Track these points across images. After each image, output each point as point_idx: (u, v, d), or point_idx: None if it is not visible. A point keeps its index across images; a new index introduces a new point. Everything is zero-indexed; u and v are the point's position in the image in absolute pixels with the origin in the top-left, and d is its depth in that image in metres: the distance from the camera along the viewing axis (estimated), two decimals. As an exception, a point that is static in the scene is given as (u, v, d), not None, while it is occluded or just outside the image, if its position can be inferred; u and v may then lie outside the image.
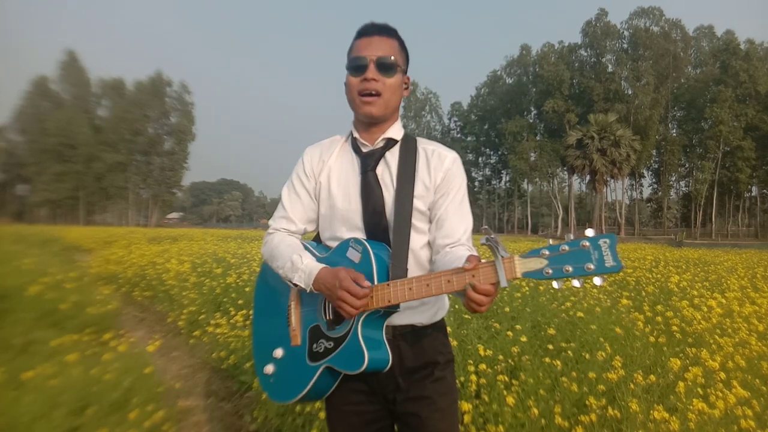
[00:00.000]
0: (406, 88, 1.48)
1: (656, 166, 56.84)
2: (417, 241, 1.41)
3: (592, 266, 1.04)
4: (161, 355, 4.46)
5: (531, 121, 58.91)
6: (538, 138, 56.87)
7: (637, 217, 57.99)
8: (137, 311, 6.59)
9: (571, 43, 55.91)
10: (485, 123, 63.70)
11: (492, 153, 65.58)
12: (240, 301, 5.29)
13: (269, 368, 1.44)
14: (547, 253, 1.08)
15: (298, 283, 1.36)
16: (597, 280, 1.04)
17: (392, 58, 1.39)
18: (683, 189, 58.87)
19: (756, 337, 3.29)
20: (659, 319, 3.82)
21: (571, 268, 1.05)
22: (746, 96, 48.27)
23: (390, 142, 1.45)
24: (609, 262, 1.03)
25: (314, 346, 1.35)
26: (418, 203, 1.40)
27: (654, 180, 58.96)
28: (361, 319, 1.28)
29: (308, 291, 1.35)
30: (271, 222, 1.55)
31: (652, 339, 3.35)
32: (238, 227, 64.23)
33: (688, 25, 58.90)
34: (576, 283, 1.07)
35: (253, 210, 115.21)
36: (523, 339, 3.24)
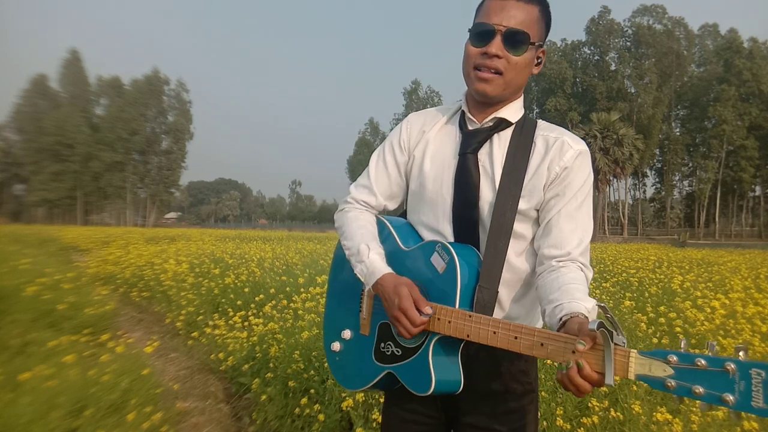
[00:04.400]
0: (538, 64, 1.22)
1: (659, 166, 56.69)
2: (514, 247, 1.19)
3: (731, 399, 0.78)
4: (159, 356, 4.45)
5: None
6: (540, 137, 56.62)
7: (640, 216, 57.83)
8: (135, 312, 6.58)
9: (574, 41, 55.72)
10: (487, 122, 63.55)
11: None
12: (238, 302, 5.28)
13: (336, 346, 1.34)
14: (674, 359, 0.83)
15: (359, 276, 1.21)
16: (734, 415, 0.80)
17: (525, 30, 1.14)
18: (686, 188, 58.81)
19: (759, 338, 3.27)
20: (662, 320, 3.80)
21: (702, 391, 0.80)
22: (750, 95, 48.12)
23: (502, 123, 1.22)
24: (758, 402, 0.75)
25: (382, 345, 1.21)
26: (524, 204, 1.17)
27: (657, 179, 58.85)
28: (436, 338, 1.12)
29: (366, 289, 1.22)
30: (352, 188, 1.37)
31: (655, 340, 3.34)
32: (236, 227, 63.99)
33: (692, 23, 58.84)
34: (704, 407, 0.83)
35: (252, 210, 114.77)
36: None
